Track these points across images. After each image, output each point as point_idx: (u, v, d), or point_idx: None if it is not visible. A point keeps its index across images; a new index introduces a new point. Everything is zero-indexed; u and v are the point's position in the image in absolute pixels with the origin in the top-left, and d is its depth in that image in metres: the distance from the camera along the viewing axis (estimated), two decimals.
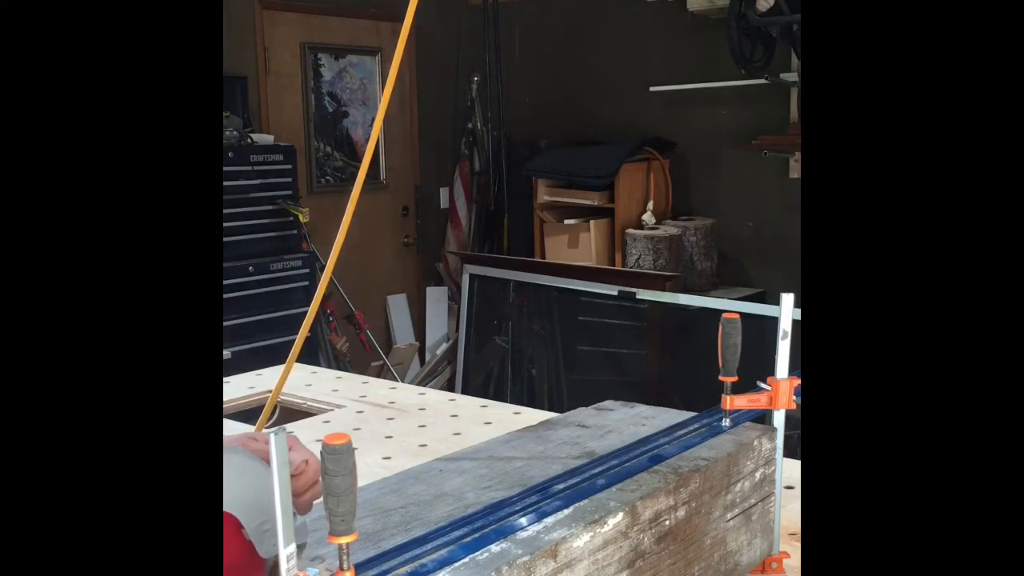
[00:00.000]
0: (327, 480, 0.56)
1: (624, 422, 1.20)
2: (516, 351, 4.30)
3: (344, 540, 0.57)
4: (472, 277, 4.38)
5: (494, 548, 0.71)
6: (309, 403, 1.99)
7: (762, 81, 3.90)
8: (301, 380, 2.09)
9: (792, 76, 3.93)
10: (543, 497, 0.83)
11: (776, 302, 1.00)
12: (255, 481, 0.70)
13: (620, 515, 0.80)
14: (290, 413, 2.06)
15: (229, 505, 0.69)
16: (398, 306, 5.16)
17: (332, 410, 1.85)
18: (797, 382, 1.01)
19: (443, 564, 0.67)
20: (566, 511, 0.79)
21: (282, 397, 2.27)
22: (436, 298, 5.28)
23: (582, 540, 0.76)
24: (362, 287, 4.72)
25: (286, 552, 0.53)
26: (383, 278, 5.04)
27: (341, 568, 0.58)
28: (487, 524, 0.75)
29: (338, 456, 0.55)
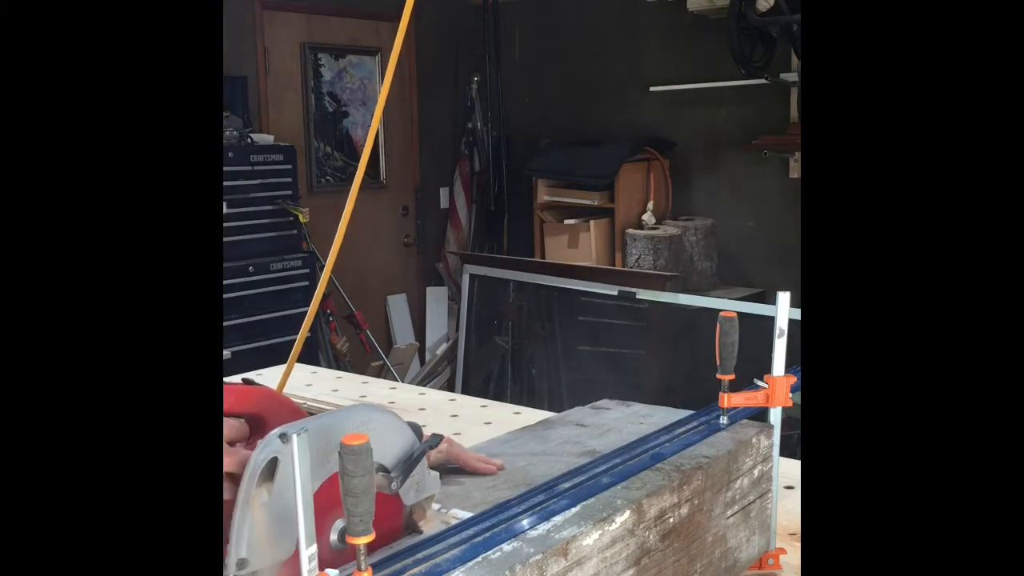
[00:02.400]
0: (345, 480, 0.56)
1: (622, 420, 1.22)
2: (516, 351, 4.31)
3: (362, 540, 0.58)
4: (472, 277, 4.39)
5: (506, 547, 0.72)
6: (309, 403, 1.99)
7: (762, 81, 3.91)
8: (301, 380, 2.10)
9: (792, 76, 3.95)
10: (550, 496, 0.84)
11: (776, 302, 1.01)
12: (400, 438, 0.83)
13: (627, 513, 0.81)
14: None
15: (377, 455, 0.76)
16: (398, 306, 5.17)
17: (332, 410, 1.86)
18: (793, 380, 1.02)
19: (457, 563, 0.68)
20: (574, 509, 0.80)
21: None
22: (436, 298, 5.29)
23: (591, 538, 0.77)
24: (362, 287, 4.73)
25: (307, 553, 0.54)
26: (383, 278, 5.05)
27: (359, 568, 0.59)
28: (497, 523, 0.76)
29: (357, 456, 0.56)
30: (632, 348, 3.82)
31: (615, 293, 3.69)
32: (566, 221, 4.36)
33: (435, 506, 0.87)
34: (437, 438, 0.89)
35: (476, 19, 4.98)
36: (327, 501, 0.76)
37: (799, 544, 1.12)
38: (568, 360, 4.10)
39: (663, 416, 1.21)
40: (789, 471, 1.23)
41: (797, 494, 1.23)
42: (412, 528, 0.85)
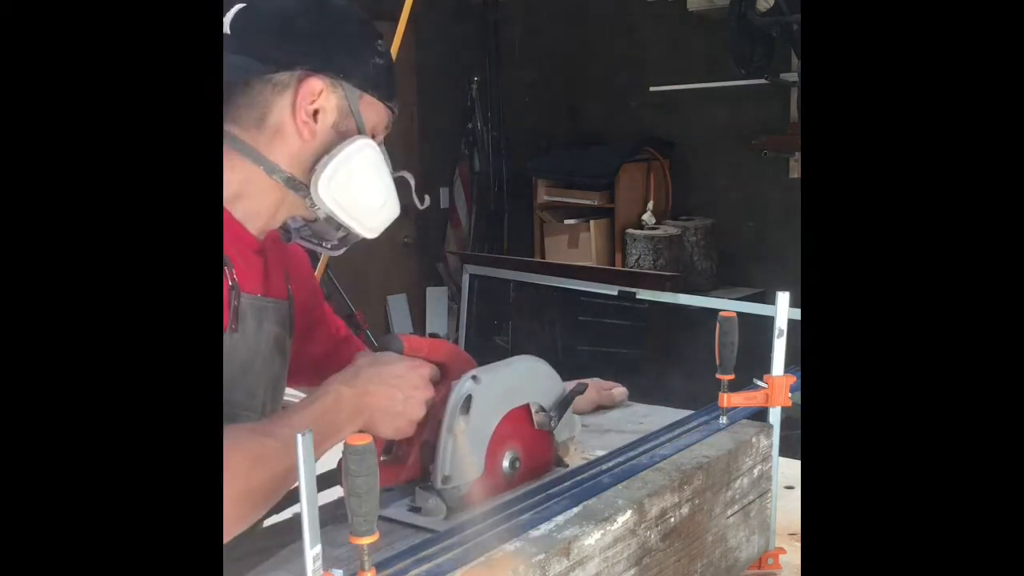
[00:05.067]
0: (349, 480, 0.57)
1: (622, 420, 1.23)
2: (516, 351, 4.30)
3: (366, 541, 0.58)
4: (472, 277, 4.38)
5: (508, 547, 0.72)
6: None
7: (762, 81, 3.91)
8: None
9: (792, 76, 3.94)
10: (552, 496, 0.84)
11: (775, 302, 1.02)
12: (555, 383, 1.03)
13: (628, 513, 0.82)
14: None
15: (536, 395, 1.01)
16: (398, 306, 5.16)
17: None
18: (793, 379, 1.03)
19: (459, 563, 0.69)
20: (575, 509, 0.80)
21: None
22: (436, 298, 5.28)
23: (593, 538, 0.77)
24: (362, 287, 4.72)
25: (311, 553, 0.54)
26: (383, 278, 5.04)
27: (363, 568, 0.59)
28: (499, 523, 0.77)
29: (360, 456, 0.56)
30: (632, 348, 3.82)
31: (615, 293, 3.68)
32: (566, 221, 4.35)
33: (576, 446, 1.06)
34: (583, 385, 1.08)
35: (476, 19, 4.97)
36: (504, 434, 0.96)
37: (799, 544, 1.12)
38: (568, 360, 4.10)
39: (663, 416, 1.22)
40: (789, 471, 1.23)
41: (797, 494, 1.23)
42: (559, 462, 1.04)
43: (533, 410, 1.01)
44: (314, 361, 1.20)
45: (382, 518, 0.89)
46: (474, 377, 0.92)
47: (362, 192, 1.03)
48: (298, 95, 0.99)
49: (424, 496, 0.91)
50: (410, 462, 0.94)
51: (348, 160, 1.00)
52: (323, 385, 0.94)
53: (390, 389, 0.94)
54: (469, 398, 0.91)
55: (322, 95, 1.00)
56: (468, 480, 0.91)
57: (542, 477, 0.99)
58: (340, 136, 1.01)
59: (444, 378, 0.99)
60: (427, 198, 1.13)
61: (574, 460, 1.04)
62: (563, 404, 1.02)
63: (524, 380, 1.00)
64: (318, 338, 1.22)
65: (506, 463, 0.97)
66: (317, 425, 0.89)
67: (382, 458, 0.95)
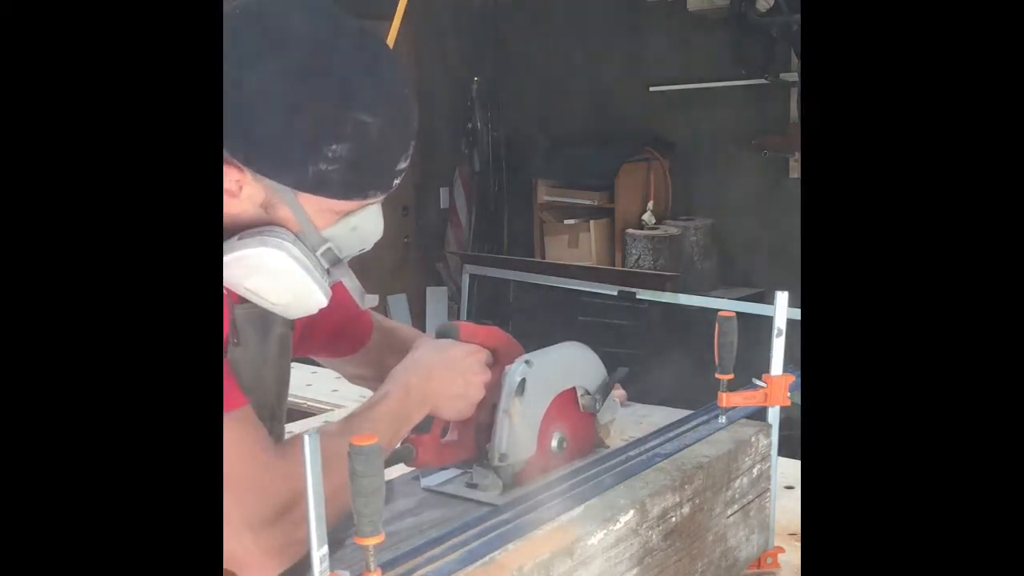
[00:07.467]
0: (355, 481, 0.57)
1: (622, 420, 1.23)
2: None
3: (371, 541, 0.58)
4: (472, 277, 4.38)
5: (512, 547, 0.72)
6: (309, 403, 2.00)
7: (762, 81, 3.91)
8: (301, 380, 2.10)
9: (792, 76, 3.95)
10: (554, 495, 0.85)
11: (775, 302, 1.02)
12: (598, 369, 1.09)
13: (631, 512, 0.82)
14: (289, 413, 2.05)
15: (582, 379, 1.07)
16: (398, 306, 5.17)
17: (332, 410, 1.87)
18: (792, 379, 1.03)
19: (465, 563, 0.69)
20: (578, 509, 0.81)
21: None
22: (436, 298, 5.29)
23: (596, 538, 0.78)
24: (362, 287, 4.72)
25: (319, 554, 0.54)
26: (383, 278, 5.05)
27: (368, 568, 0.59)
28: (503, 523, 0.77)
29: (366, 457, 0.57)
30: (632, 348, 3.82)
31: (615, 293, 3.69)
32: (566, 221, 4.36)
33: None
34: (624, 370, 1.14)
35: (476, 19, 4.98)
36: (553, 415, 1.02)
37: (799, 544, 1.13)
38: None
39: (663, 416, 1.22)
40: (789, 471, 1.23)
41: (797, 494, 1.23)
42: (600, 444, 1.11)
43: (579, 393, 1.06)
44: (327, 336, 1.20)
45: (444, 494, 1.01)
46: (527, 362, 0.99)
47: (260, 288, 0.92)
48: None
49: (482, 473, 0.98)
50: (467, 442, 1.00)
51: (246, 259, 0.89)
52: (389, 377, 1.00)
53: (452, 374, 0.99)
54: (523, 381, 0.97)
55: (242, 177, 0.89)
56: (522, 458, 0.98)
57: (586, 457, 1.04)
58: (268, 217, 0.91)
59: (496, 363, 1.04)
60: (371, 298, 1.05)
61: (614, 442, 1.09)
62: (606, 388, 1.08)
63: (571, 365, 1.06)
64: (329, 312, 1.18)
65: (554, 443, 1.03)
66: (393, 417, 0.96)
67: (441, 440, 1.01)
